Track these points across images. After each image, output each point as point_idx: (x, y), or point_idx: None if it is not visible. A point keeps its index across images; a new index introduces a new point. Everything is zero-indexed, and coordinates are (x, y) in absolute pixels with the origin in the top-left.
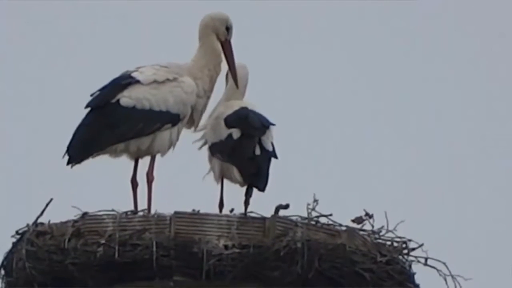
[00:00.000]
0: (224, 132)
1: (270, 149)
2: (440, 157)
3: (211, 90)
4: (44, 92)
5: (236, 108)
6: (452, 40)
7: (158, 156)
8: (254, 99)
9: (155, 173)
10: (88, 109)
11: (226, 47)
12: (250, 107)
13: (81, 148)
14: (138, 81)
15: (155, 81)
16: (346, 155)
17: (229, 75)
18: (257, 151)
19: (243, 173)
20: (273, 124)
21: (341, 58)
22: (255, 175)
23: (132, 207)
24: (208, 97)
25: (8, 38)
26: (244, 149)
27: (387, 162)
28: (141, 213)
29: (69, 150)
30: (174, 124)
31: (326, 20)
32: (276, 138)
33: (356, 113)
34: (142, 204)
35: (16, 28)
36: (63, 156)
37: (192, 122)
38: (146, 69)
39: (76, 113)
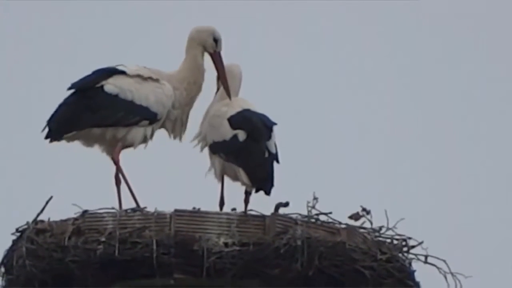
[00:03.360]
0: (228, 132)
1: (274, 151)
2: (439, 154)
3: (187, 104)
4: (43, 91)
5: (238, 109)
6: (452, 40)
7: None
8: (253, 97)
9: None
10: (71, 90)
11: (216, 58)
12: (252, 108)
13: (61, 124)
14: (123, 72)
15: (139, 76)
16: (346, 153)
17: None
18: (266, 154)
19: (253, 177)
20: (275, 124)
21: (340, 56)
22: (264, 179)
23: (132, 205)
24: (184, 112)
25: None
26: (254, 153)
27: (387, 160)
28: (141, 211)
29: (48, 125)
30: (151, 122)
31: (325, 20)
32: (276, 136)
33: (356, 110)
34: (142, 203)
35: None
36: (42, 130)
37: (171, 131)
38: (129, 65)
39: None
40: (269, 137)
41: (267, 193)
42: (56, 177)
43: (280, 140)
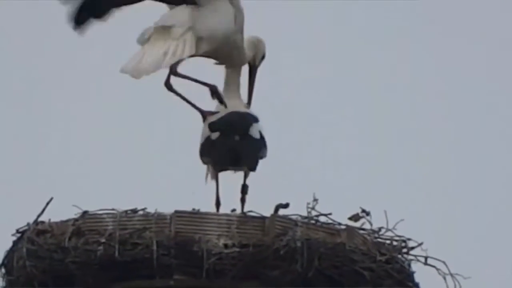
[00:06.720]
0: (205, 135)
1: (258, 136)
2: (439, 155)
3: None
4: (43, 91)
5: (222, 114)
6: (452, 40)
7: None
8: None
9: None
10: None
11: (254, 72)
12: (239, 110)
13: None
14: None
15: None
16: (346, 153)
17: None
18: (237, 138)
19: (225, 157)
20: (256, 120)
21: (338, 56)
22: (235, 158)
23: (131, 206)
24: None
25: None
26: (223, 145)
27: (386, 161)
28: (141, 212)
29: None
30: None
31: (324, 20)
32: (275, 136)
33: (355, 111)
34: (142, 204)
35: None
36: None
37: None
38: None
39: (75, 114)
40: (247, 130)
41: (251, 168)
42: (56, 178)
43: (279, 140)
